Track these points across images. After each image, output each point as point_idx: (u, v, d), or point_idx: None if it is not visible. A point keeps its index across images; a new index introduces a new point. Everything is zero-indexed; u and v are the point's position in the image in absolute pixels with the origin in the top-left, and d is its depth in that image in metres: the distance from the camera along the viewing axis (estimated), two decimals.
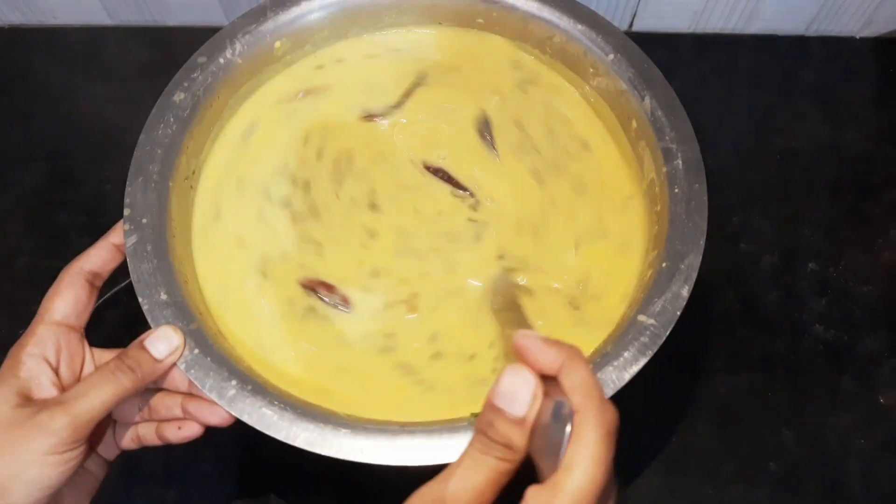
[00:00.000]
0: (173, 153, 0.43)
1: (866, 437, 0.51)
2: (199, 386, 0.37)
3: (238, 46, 0.47)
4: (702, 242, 0.40)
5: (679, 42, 0.67)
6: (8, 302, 0.56)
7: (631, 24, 0.67)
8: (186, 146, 0.44)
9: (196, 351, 0.38)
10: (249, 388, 0.37)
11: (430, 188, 0.48)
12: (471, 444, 0.31)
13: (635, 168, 0.46)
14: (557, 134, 0.49)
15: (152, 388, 0.39)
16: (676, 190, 0.42)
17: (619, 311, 0.41)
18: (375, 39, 0.51)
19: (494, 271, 0.44)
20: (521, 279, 0.44)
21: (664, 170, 0.43)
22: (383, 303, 0.44)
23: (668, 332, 0.38)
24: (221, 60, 0.46)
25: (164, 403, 0.39)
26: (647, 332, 0.38)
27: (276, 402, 0.36)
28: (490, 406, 0.30)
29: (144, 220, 0.41)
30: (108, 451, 0.40)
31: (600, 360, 0.38)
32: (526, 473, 0.31)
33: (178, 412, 0.39)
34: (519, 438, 0.30)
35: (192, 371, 0.37)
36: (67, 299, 0.38)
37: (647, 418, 0.51)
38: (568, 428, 0.28)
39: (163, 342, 0.37)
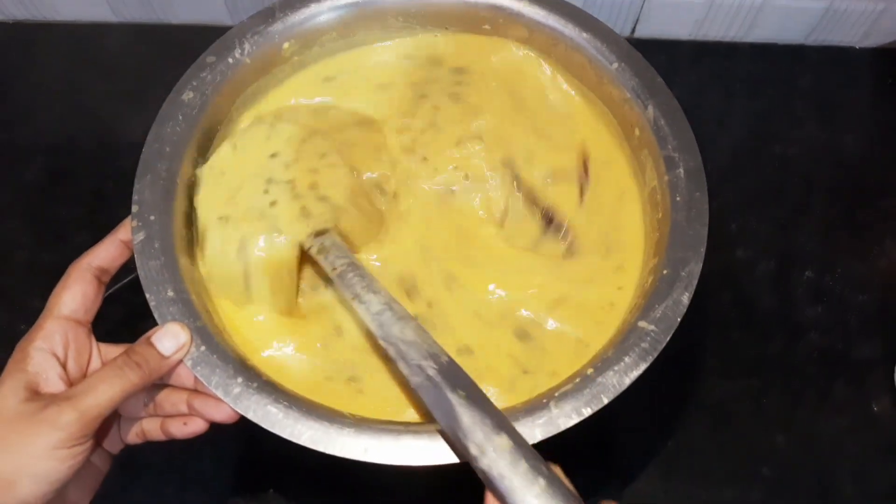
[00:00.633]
0: (181, 151, 0.44)
1: (858, 443, 0.52)
2: (205, 383, 0.37)
3: (247, 47, 0.47)
4: (702, 250, 0.41)
5: (680, 49, 0.68)
6: (7, 296, 0.57)
7: (633, 31, 0.68)
8: (195, 144, 0.45)
9: (202, 348, 0.38)
10: (255, 385, 0.37)
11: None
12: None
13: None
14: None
15: (158, 383, 0.39)
16: (678, 198, 0.42)
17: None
18: (382, 46, 0.52)
19: None
20: None
21: (666, 178, 0.43)
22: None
23: (668, 339, 0.39)
24: (230, 60, 0.47)
25: (169, 399, 0.39)
26: (648, 338, 0.39)
27: (281, 400, 0.37)
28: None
29: (152, 217, 0.41)
30: (112, 445, 0.41)
31: (601, 364, 0.38)
32: None
33: (183, 408, 0.39)
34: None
35: (199, 368, 0.38)
36: (76, 294, 0.38)
37: (642, 421, 0.52)
38: None
39: (170, 339, 0.37)
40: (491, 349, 0.43)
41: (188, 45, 0.66)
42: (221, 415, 0.38)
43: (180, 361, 0.38)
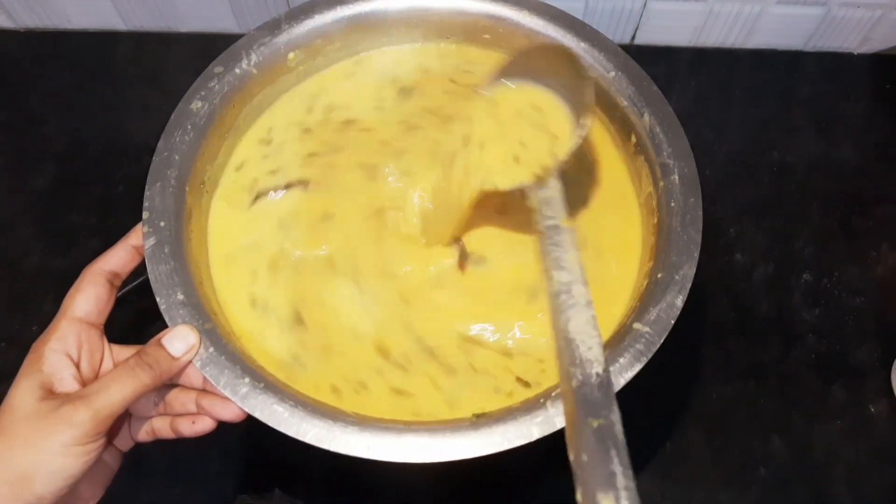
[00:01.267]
0: (190, 159, 0.45)
1: (855, 446, 0.52)
2: (213, 383, 0.38)
3: (254, 57, 0.48)
4: (696, 254, 0.42)
5: (679, 56, 0.69)
6: (19, 301, 0.58)
7: (633, 38, 0.69)
8: (203, 152, 0.46)
9: (211, 350, 0.39)
10: (262, 385, 0.38)
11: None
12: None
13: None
14: None
15: (168, 384, 0.41)
16: (673, 204, 0.43)
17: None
18: (383, 56, 0.53)
19: None
20: None
21: (661, 184, 0.44)
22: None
23: (662, 340, 0.40)
24: (237, 70, 0.48)
25: (178, 399, 0.41)
26: (643, 340, 0.40)
27: (286, 400, 0.38)
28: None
29: (162, 224, 0.42)
30: (123, 443, 0.42)
31: None
32: None
33: (192, 407, 0.40)
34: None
35: (208, 369, 0.39)
36: (89, 297, 0.40)
37: (640, 424, 0.52)
38: None
39: (180, 341, 0.39)
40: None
41: (196, 52, 0.68)
42: (229, 414, 0.39)
43: (190, 362, 0.39)
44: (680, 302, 0.41)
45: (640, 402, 0.49)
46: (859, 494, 0.51)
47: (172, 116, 0.46)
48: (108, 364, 0.40)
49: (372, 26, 0.51)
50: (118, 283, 0.42)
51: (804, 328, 0.56)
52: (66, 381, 0.37)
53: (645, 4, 0.64)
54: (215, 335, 0.40)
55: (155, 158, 0.45)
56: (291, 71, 0.51)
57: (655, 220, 0.44)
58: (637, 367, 0.39)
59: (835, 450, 0.52)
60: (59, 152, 0.64)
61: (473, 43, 0.53)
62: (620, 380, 0.39)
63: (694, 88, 0.67)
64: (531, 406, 0.38)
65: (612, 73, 0.48)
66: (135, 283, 0.46)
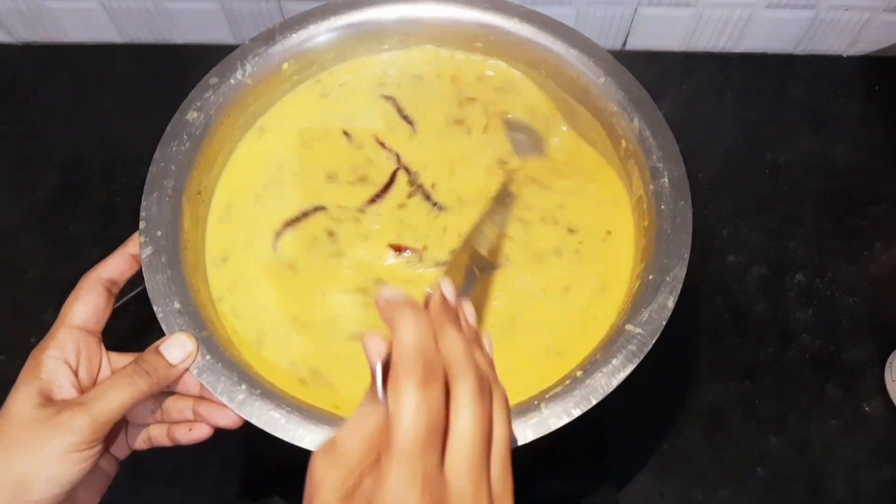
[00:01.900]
0: (186, 169, 0.46)
1: (851, 444, 0.53)
2: (210, 390, 0.39)
3: (248, 68, 0.49)
4: (686, 256, 0.42)
5: (671, 60, 0.69)
6: (20, 310, 0.58)
7: (624, 43, 0.69)
8: (199, 162, 0.47)
9: (208, 357, 0.40)
10: (258, 392, 0.39)
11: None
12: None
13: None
14: None
15: (165, 391, 0.41)
16: (663, 206, 0.44)
17: None
18: (376, 64, 0.54)
19: None
20: None
21: (651, 187, 0.45)
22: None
23: (654, 341, 0.40)
24: (232, 81, 0.49)
25: (175, 406, 0.41)
26: (635, 341, 0.40)
27: (283, 406, 0.38)
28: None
29: (159, 233, 0.43)
30: (120, 450, 0.42)
31: (590, 366, 0.40)
32: None
33: (189, 415, 0.41)
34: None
35: (204, 376, 0.39)
36: (87, 304, 0.40)
37: (637, 424, 0.53)
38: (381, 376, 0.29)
39: (177, 348, 0.39)
40: None
41: (192, 63, 0.68)
42: (226, 420, 0.40)
43: (187, 370, 0.40)
44: (671, 303, 0.41)
45: (637, 402, 0.50)
46: (856, 492, 0.51)
47: (168, 127, 0.47)
48: (105, 371, 0.41)
49: (366, 35, 0.52)
50: (116, 290, 0.42)
51: (798, 328, 0.57)
52: (65, 388, 0.38)
53: (635, 10, 0.65)
54: (212, 343, 0.40)
55: (151, 168, 0.45)
56: (286, 81, 0.51)
57: (646, 223, 0.45)
58: (629, 368, 0.39)
59: (831, 448, 0.53)
60: (59, 163, 0.65)
61: (465, 51, 0.53)
62: (613, 381, 0.39)
63: (686, 92, 0.68)
64: (525, 409, 0.38)
65: (602, 79, 0.49)
66: (132, 294, 0.47)
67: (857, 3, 0.64)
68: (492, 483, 0.28)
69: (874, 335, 0.56)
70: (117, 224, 0.61)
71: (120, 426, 0.42)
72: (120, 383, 0.37)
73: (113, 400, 0.36)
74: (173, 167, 0.45)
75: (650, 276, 0.42)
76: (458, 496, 0.27)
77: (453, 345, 0.29)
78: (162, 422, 0.42)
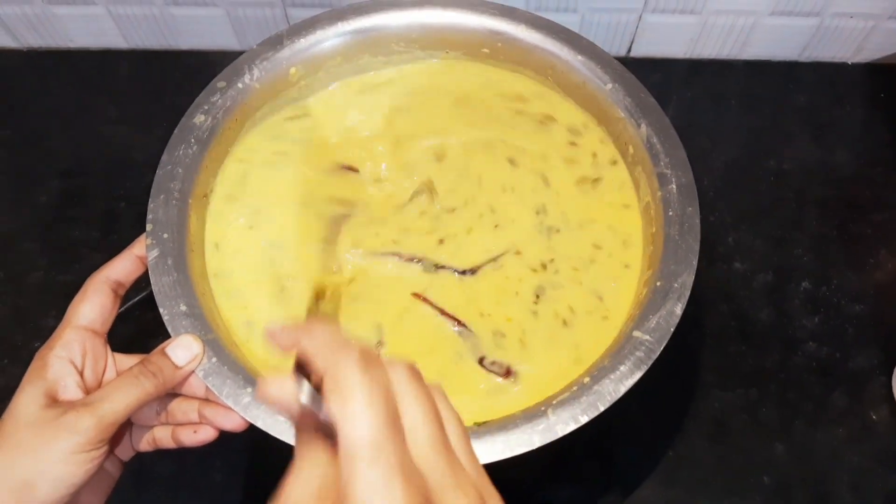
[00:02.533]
0: (193, 172, 0.46)
1: (857, 452, 0.52)
2: (216, 393, 0.39)
3: (256, 72, 0.49)
4: (694, 262, 0.42)
5: (675, 67, 0.70)
6: (23, 316, 0.58)
7: (629, 50, 0.69)
8: (205, 165, 0.47)
9: (213, 359, 0.40)
10: None
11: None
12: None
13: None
14: None
15: (170, 393, 0.41)
16: (671, 213, 0.44)
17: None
18: (382, 72, 0.54)
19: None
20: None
21: (659, 194, 0.45)
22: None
23: (662, 348, 0.40)
24: (240, 85, 0.49)
25: (180, 408, 0.41)
26: (643, 348, 0.40)
27: None
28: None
29: (165, 235, 0.43)
30: (124, 452, 0.42)
31: (598, 372, 0.39)
32: None
33: (194, 417, 0.41)
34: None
35: (210, 378, 0.39)
36: (94, 305, 0.40)
37: (643, 432, 0.53)
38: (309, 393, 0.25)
39: (183, 350, 0.39)
40: None
41: (197, 70, 0.68)
42: (231, 423, 0.39)
43: (193, 372, 0.39)
44: (679, 309, 0.41)
45: (642, 409, 0.50)
46: (862, 500, 0.51)
47: (176, 130, 0.47)
48: (111, 372, 0.41)
49: (373, 41, 0.52)
50: (122, 291, 0.42)
51: (804, 335, 0.57)
52: (70, 389, 0.37)
53: (640, 17, 0.65)
54: (217, 345, 0.40)
55: (159, 171, 0.45)
56: (293, 85, 0.51)
57: (654, 230, 0.45)
58: (637, 375, 0.39)
59: (837, 456, 0.52)
60: (62, 168, 0.65)
61: (472, 57, 0.53)
62: (621, 387, 0.39)
63: (690, 99, 0.68)
64: (532, 415, 0.38)
65: (609, 85, 0.49)
66: (137, 299, 0.47)
67: (862, 11, 0.64)
68: (464, 467, 0.25)
69: (880, 343, 0.56)
70: (119, 230, 0.61)
71: (125, 428, 0.42)
72: (126, 384, 0.37)
73: (119, 401, 0.36)
74: (180, 170, 0.45)
75: (658, 283, 0.42)
76: (439, 483, 0.23)
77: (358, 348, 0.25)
78: (167, 424, 0.42)
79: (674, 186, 0.45)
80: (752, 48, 0.69)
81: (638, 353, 0.40)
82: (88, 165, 0.65)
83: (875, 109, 0.68)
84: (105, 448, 0.36)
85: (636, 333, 0.40)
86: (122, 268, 0.42)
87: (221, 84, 0.48)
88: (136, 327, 0.51)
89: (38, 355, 0.39)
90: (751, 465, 0.52)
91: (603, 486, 0.51)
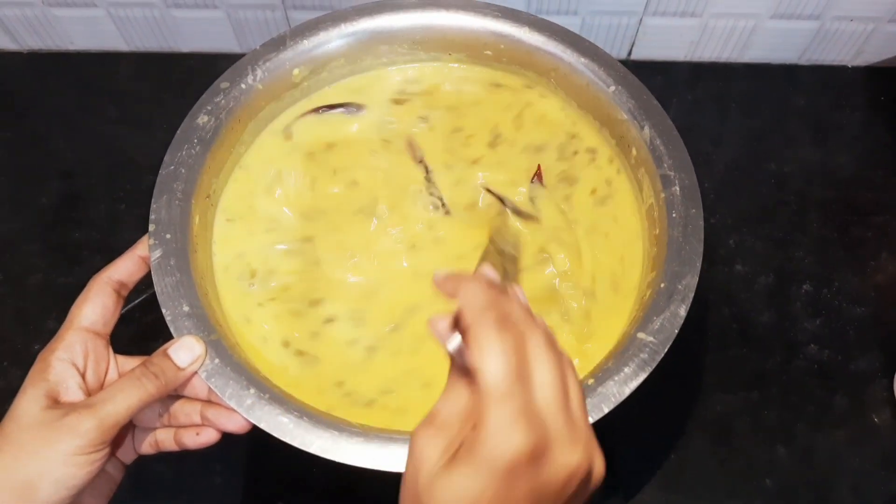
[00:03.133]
0: (196, 172, 0.45)
1: (859, 455, 0.52)
2: (219, 394, 0.39)
3: (259, 73, 0.49)
4: (698, 264, 0.42)
5: (675, 70, 0.70)
6: (23, 318, 0.58)
7: (629, 53, 0.70)
8: (208, 166, 0.46)
9: (216, 361, 0.39)
10: (267, 396, 0.38)
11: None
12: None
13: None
14: None
15: (172, 395, 0.40)
16: (674, 215, 0.44)
17: None
18: (387, 72, 0.54)
19: None
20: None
21: (662, 195, 0.45)
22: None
23: (666, 349, 0.40)
24: (243, 86, 0.49)
25: (183, 410, 0.41)
26: (647, 349, 0.40)
27: (292, 411, 0.38)
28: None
29: (168, 236, 0.43)
30: (126, 454, 0.42)
31: (602, 374, 0.39)
32: None
33: (196, 419, 0.40)
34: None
35: (213, 380, 0.39)
36: (96, 306, 0.40)
37: (644, 435, 0.53)
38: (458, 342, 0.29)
39: (185, 351, 0.39)
40: None
41: (197, 72, 0.68)
42: (234, 425, 0.39)
43: (195, 373, 0.39)
44: (683, 311, 0.41)
45: (643, 412, 0.49)
46: (865, 502, 0.51)
47: (179, 131, 0.47)
48: (113, 374, 0.40)
49: (376, 42, 0.52)
50: (125, 292, 0.42)
51: (806, 338, 0.57)
52: (72, 391, 0.37)
53: (641, 20, 0.65)
54: (220, 346, 0.40)
55: (161, 172, 0.45)
56: (296, 86, 0.51)
57: (657, 231, 0.45)
58: (642, 377, 0.39)
59: (839, 459, 0.52)
60: (62, 170, 0.65)
61: (475, 59, 0.53)
62: (626, 389, 0.39)
63: (691, 102, 0.68)
64: None
65: (612, 88, 0.49)
66: (138, 300, 0.46)
67: (862, 14, 0.64)
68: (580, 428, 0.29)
69: (882, 345, 0.56)
70: (120, 231, 0.61)
71: (127, 430, 0.42)
72: (128, 386, 0.37)
73: (121, 403, 0.36)
74: (183, 171, 0.45)
75: (662, 285, 0.42)
76: (557, 434, 0.27)
77: (514, 306, 0.30)
78: (169, 426, 0.41)
79: (677, 188, 0.45)
80: (753, 51, 0.69)
81: (642, 356, 0.39)
82: (89, 167, 0.65)
83: (875, 112, 0.68)
84: (107, 450, 0.36)
85: (640, 335, 0.40)
86: (124, 268, 0.42)
87: (225, 85, 0.48)
88: (137, 329, 0.51)
89: (39, 357, 0.38)
90: (753, 467, 0.52)
91: (605, 491, 0.51)
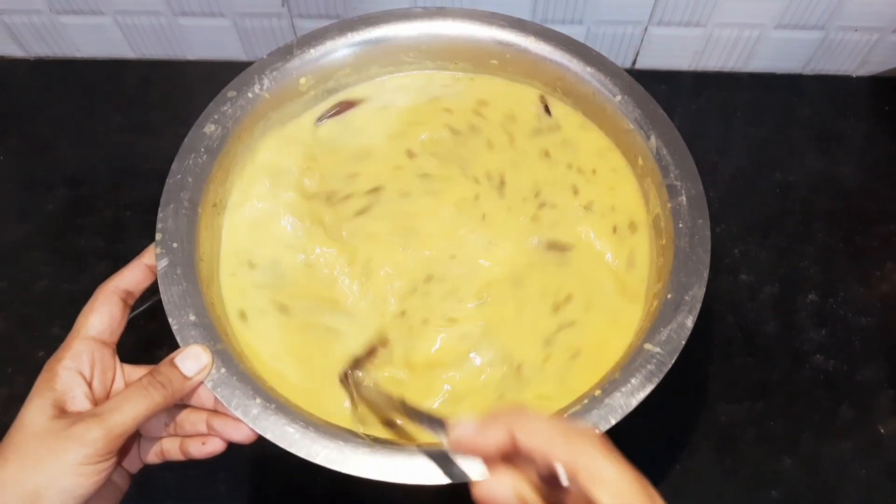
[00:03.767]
0: (203, 181, 0.46)
1: (865, 466, 0.52)
2: (225, 404, 0.38)
3: (266, 82, 0.49)
4: (705, 275, 0.42)
5: (680, 79, 0.70)
6: (28, 324, 0.58)
7: (634, 62, 0.70)
8: (215, 175, 0.47)
9: (223, 370, 0.39)
10: (273, 406, 0.38)
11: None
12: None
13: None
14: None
15: (178, 404, 0.40)
16: (681, 225, 0.44)
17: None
18: (393, 80, 0.54)
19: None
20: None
21: (669, 205, 0.45)
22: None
23: (673, 361, 0.40)
24: (250, 95, 0.49)
25: (189, 419, 0.41)
26: (654, 360, 0.40)
27: (298, 421, 0.38)
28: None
29: (175, 245, 0.43)
30: (132, 464, 0.41)
31: (608, 385, 0.39)
32: None
33: (202, 428, 0.40)
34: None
35: (219, 389, 0.39)
36: (103, 315, 0.40)
37: (649, 446, 0.53)
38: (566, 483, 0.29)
39: (192, 360, 0.39)
40: None
41: (204, 80, 0.68)
42: (240, 435, 0.39)
43: (202, 383, 0.39)
44: (690, 322, 0.41)
45: (648, 422, 0.49)
46: None
47: (186, 139, 0.47)
48: (119, 383, 0.40)
49: (383, 51, 0.52)
50: (132, 301, 0.42)
51: (811, 348, 0.56)
52: (79, 400, 0.37)
53: (646, 30, 0.66)
54: (226, 356, 0.40)
55: (168, 180, 0.45)
56: (303, 95, 0.52)
57: (664, 241, 0.45)
58: (649, 388, 0.39)
59: (845, 470, 0.52)
60: (68, 177, 0.65)
61: (481, 69, 0.53)
62: (633, 400, 0.39)
63: (695, 111, 0.68)
64: None
65: (619, 97, 0.49)
66: (143, 308, 0.46)
67: (867, 25, 0.64)
68: None
69: (887, 355, 0.56)
70: (125, 239, 0.61)
71: (133, 439, 0.41)
72: (135, 395, 0.37)
73: (127, 412, 0.36)
74: (190, 179, 0.45)
75: (669, 295, 0.41)
76: None
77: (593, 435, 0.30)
78: (175, 435, 0.41)
79: (683, 198, 0.45)
80: (757, 61, 0.69)
81: (649, 367, 0.39)
82: (95, 174, 0.65)
83: (879, 122, 0.68)
84: (113, 460, 0.36)
85: (647, 346, 0.40)
86: (131, 277, 0.42)
87: (232, 93, 0.49)
88: (143, 337, 0.51)
89: (46, 366, 0.38)
90: (758, 478, 0.52)
91: None
